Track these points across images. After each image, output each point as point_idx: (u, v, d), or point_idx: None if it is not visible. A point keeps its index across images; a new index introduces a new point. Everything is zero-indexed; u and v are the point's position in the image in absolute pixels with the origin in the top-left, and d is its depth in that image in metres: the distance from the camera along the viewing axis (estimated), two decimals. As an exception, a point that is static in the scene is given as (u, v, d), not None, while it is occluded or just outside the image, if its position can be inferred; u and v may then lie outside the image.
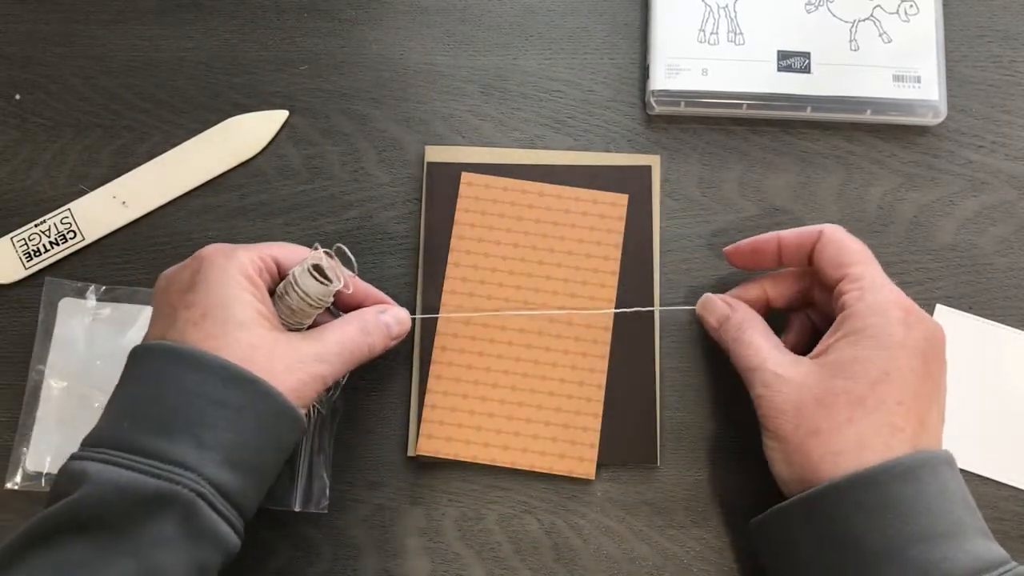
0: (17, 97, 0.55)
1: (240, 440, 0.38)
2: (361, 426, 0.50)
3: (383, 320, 0.46)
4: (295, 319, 0.43)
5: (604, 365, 0.50)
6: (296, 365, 0.40)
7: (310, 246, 0.44)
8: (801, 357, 0.44)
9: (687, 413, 0.51)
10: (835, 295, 0.44)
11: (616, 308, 0.51)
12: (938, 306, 0.52)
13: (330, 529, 0.49)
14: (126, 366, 0.40)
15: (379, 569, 0.48)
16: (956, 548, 0.37)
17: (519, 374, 0.50)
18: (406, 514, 0.49)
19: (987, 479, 0.50)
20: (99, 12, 0.56)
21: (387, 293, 0.49)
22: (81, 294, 0.51)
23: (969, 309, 0.52)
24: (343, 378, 0.48)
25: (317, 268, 0.43)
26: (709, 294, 0.49)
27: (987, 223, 0.54)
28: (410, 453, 0.50)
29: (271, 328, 0.41)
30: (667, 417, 0.51)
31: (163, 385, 0.38)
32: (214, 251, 0.42)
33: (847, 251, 0.44)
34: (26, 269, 0.52)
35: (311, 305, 0.43)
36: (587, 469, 0.49)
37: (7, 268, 0.52)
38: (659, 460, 0.50)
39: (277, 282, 0.44)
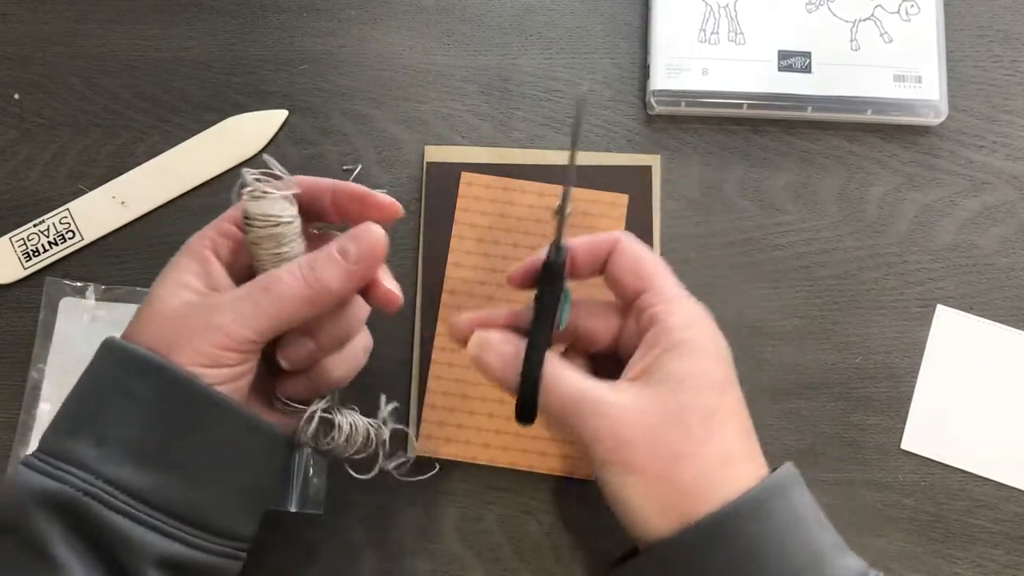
0: (16, 97, 0.55)
1: (148, 434, 0.35)
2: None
3: (336, 246, 0.38)
4: (281, 248, 0.38)
5: None
6: (207, 328, 0.36)
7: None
8: (614, 382, 0.39)
9: (687, 413, 0.51)
10: (637, 308, 0.40)
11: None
12: (938, 306, 0.52)
13: (330, 530, 0.49)
14: None
15: (378, 570, 0.48)
16: None
17: None
18: (405, 515, 0.49)
19: (987, 479, 0.50)
20: (99, 12, 0.56)
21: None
22: (81, 294, 0.51)
23: (970, 309, 0.52)
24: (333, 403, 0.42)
25: (251, 192, 0.38)
26: (482, 333, 0.40)
27: (988, 223, 0.54)
28: (409, 454, 0.50)
29: (193, 294, 0.37)
30: (667, 417, 0.51)
31: (84, 379, 0.37)
32: (187, 242, 0.40)
33: (646, 261, 0.41)
34: (25, 269, 0.52)
35: (276, 224, 0.38)
36: (588, 470, 0.49)
37: (6, 268, 0.52)
38: (659, 460, 0.50)
39: (243, 243, 0.40)
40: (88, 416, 0.36)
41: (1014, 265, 0.53)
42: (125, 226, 0.53)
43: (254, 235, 0.38)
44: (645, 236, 0.52)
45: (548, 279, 0.39)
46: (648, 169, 0.54)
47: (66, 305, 0.51)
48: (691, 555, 0.36)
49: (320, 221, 0.42)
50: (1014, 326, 0.52)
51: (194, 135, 0.54)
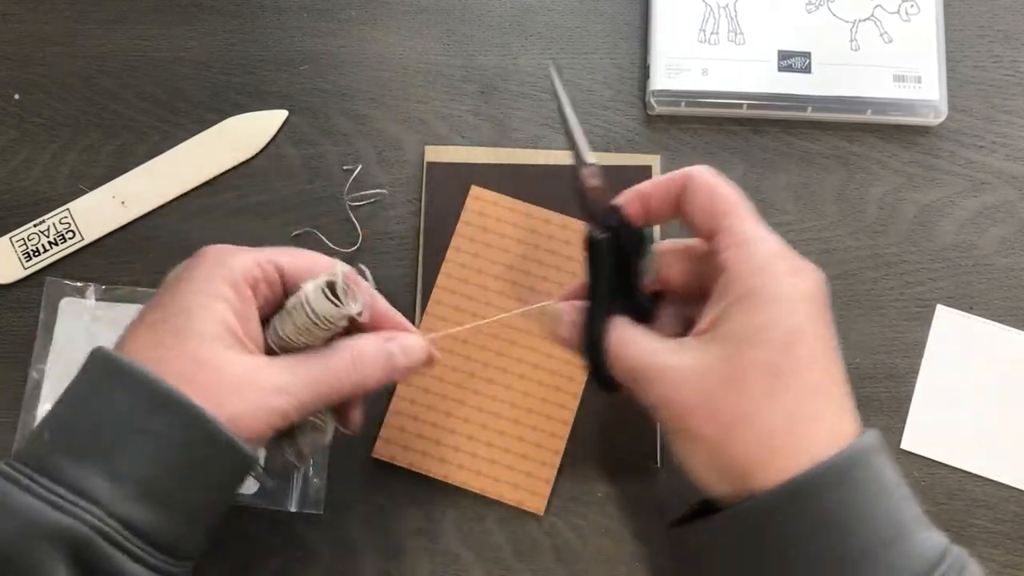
0: (16, 97, 0.55)
1: (161, 472, 0.34)
2: (361, 427, 0.50)
3: (384, 349, 0.39)
4: (301, 339, 0.38)
5: (575, 404, 0.50)
6: (248, 391, 0.35)
7: (329, 257, 0.41)
8: (682, 339, 0.37)
9: (687, 413, 0.51)
10: (711, 252, 0.38)
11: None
12: (938, 306, 0.52)
13: (330, 529, 0.49)
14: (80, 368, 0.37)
15: (378, 570, 0.48)
16: (900, 555, 0.33)
17: (488, 396, 0.50)
18: (406, 514, 0.49)
19: (987, 479, 0.50)
20: (99, 12, 0.56)
21: (386, 294, 0.49)
22: (81, 294, 0.51)
23: (970, 309, 0.52)
24: (329, 423, 0.41)
25: (331, 286, 0.38)
26: (551, 303, 0.41)
27: (988, 223, 0.54)
28: (374, 455, 0.50)
29: (234, 346, 0.36)
30: (667, 417, 0.51)
31: (93, 399, 0.35)
32: (211, 252, 0.38)
33: (718, 198, 0.38)
34: (25, 269, 0.52)
35: (319, 327, 0.38)
36: (537, 504, 0.49)
37: (6, 268, 0.52)
38: (659, 460, 0.50)
39: (279, 295, 0.39)
40: (99, 445, 0.34)
41: (1014, 265, 0.53)
42: (125, 226, 0.53)
43: (300, 319, 0.37)
44: (645, 236, 0.52)
45: (592, 253, 0.39)
46: (648, 169, 0.54)
47: (66, 305, 0.51)
48: (768, 519, 0.34)
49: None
50: (1014, 326, 0.52)
51: (194, 135, 0.54)
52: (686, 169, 0.39)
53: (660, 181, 0.40)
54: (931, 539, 0.34)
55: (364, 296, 0.38)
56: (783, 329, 0.35)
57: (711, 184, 0.39)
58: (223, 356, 0.35)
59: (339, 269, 0.38)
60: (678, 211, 0.40)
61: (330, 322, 0.38)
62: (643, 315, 0.41)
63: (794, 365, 0.35)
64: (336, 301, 0.37)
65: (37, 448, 0.34)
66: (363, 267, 0.40)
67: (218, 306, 0.36)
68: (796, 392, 0.34)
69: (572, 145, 0.40)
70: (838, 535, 0.33)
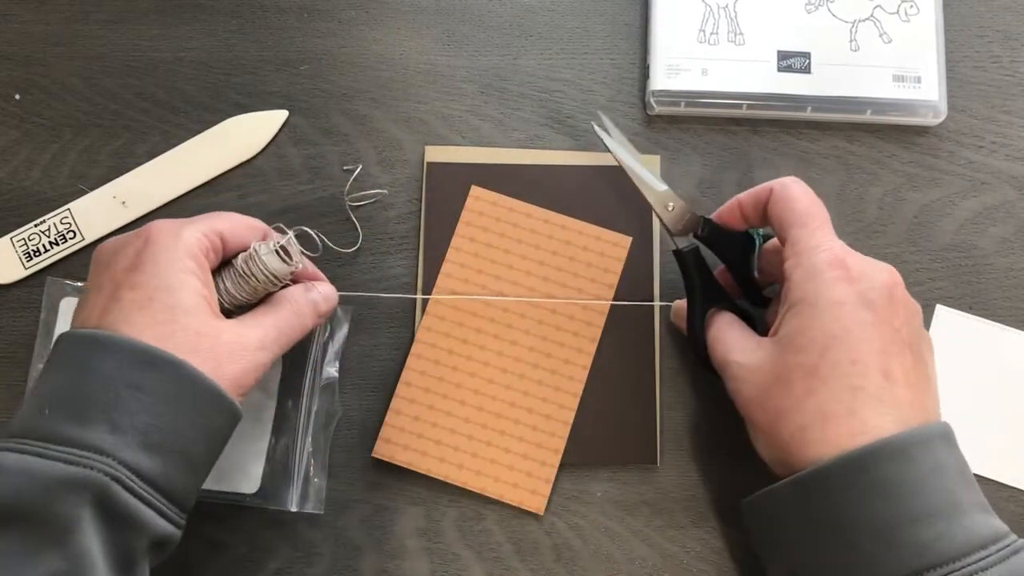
0: (17, 97, 0.55)
1: (157, 423, 0.37)
2: (361, 427, 0.50)
3: (311, 298, 0.45)
4: (251, 297, 0.43)
5: (575, 403, 0.50)
6: (239, 353, 0.40)
7: (279, 230, 0.45)
8: (760, 339, 0.43)
9: (687, 413, 0.51)
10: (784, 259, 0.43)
11: (601, 341, 0.51)
12: (938, 306, 0.52)
13: (330, 529, 0.49)
14: (51, 352, 0.40)
15: (379, 570, 0.48)
16: (951, 526, 0.36)
17: (488, 396, 0.50)
18: (406, 514, 0.49)
19: (987, 479, 0.50)
20: (99, 12, 0.56)
21: (387, 294, 0.49)
22: (82, 294, 0.51)
23: (969, 309, 0.52)
24: None
25: (283, 249, 0.43)
26: (677, 302, 0.50)
27: (987, 223, 0.54)
28: (374, 455, 0.50)
29: (213, 315, 0.40)
30: (667, 417, 0.51)
31: (82, 372, 0.37)
32: (161, 229, 0.41)
33: (789, 210, 0.43)
34: (26, 269, 0.52)
35: (274, 284, 0.44)
36: (538, 504, 0.49)
37: (7, 268, 0.52)
38: (659, 460, 0.50)
39: (222, 259, 0.43)
40: (97, 408, 0.36)
41: (1013, 265, 0.53)
42: (126, 226, 0.53)
43: (259, 280, 0.43)
44: (645, 236, 0.52)
45: (681, 263, 0.47)
46: (648, 169, 0.54)
47: (67, 305, 0.51)
48: (825, 485, 0.38)
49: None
50: (1014, 326, 0.52)
51: (194, 135, 0.54)
52: (775, 180, 0.44)
53: (751, 191, 0.46)
54: (988, 522, 0.37)
55: (298, 252, 0.44)
56: (823, 334, 0.39)
57: (786, 196, 0.43)
58: (212, 325, 0.40)
59: (291, 234, 0.44)
60: (766, 218, 0.45)
61: (281, 280, 0.44)
62: (759, 302, 0.48)
63: (831, 367, 0.39)
64: (287, 260, 0.43)
65: (38, 423, 0.37)
66: (305, 228, 0.46)
67: (192, 280, 0.40)
68: (831, 391, 0.39)
69: (638, 181, 0.47)
70: (890, 502, 0.36)
